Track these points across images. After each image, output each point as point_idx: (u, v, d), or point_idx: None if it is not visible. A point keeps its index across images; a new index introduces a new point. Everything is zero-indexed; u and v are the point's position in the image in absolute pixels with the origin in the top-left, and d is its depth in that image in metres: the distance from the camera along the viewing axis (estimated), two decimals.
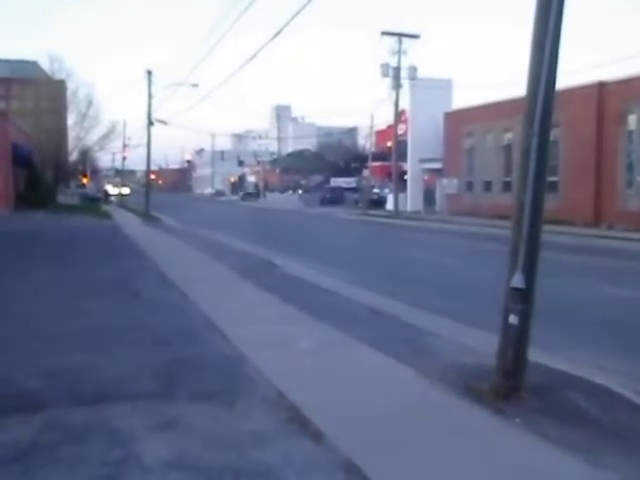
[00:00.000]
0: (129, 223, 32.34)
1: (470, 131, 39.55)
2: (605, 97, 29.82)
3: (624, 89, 28.53)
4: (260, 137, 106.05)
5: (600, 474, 4.06)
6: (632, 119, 28.73)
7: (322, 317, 8.61)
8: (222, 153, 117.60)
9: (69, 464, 4.10)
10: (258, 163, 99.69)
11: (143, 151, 43.43)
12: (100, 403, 5.24)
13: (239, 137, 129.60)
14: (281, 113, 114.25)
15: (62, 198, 54.54)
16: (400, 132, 44.63)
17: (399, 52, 40.91)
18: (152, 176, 49.70)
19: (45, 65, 58.57)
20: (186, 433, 4.62)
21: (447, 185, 42.11)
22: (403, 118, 45.89)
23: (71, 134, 59.01)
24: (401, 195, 43.62)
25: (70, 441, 4.45)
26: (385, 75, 41.14)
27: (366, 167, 59.70)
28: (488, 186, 38.18)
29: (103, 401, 5.29)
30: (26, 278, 12.95)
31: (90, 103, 57.48)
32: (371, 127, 58.06)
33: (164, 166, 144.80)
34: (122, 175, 76.63)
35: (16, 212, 36.41)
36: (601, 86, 29.97)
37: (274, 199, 75.16)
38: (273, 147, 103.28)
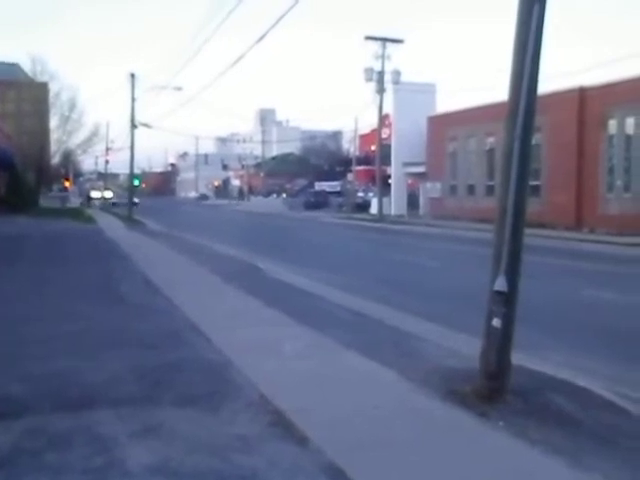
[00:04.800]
0: (113, 227, 32.12)
1: (453, 135, 39.78)
2: (586, 102, 30.14)
3: (605, 94, 28.86)
4: (244, 141, 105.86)
5: (583, 476, 4.09)
6: (612, 124, 29.06)
7: (306, 321, 8.61)
8: (206, 157, 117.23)
9: (51, 471, 4.05)
10: (242, 167, 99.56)
11: (126, 154, 43.24)
12: (83, 408, 5.19)
13: (223, 140, 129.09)
14: (265, 117, 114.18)
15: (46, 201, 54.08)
16: (384, 136, 44.78)
17: (383, 57, 41.08)
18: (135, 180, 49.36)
19: (27, 67, 58.07)
20: (170, 438, 4.59)
21: (430, 189, 42.30)
22: (387, 122, 46.05)
23: (53, 137, 58.46)
24: (385, 199, 43.73)
25: (53, 447, 4.40)
26: (369, 79, 41.28)
27: (350, 171, 59.82)
28: (471, 190, 38.41)
29: (86, 406, 5.24)
30: (7, 283, 12.81)
31: (73, 106, 57.02)
32: (355, 131, 58.29)
33: (147, 170, 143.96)
34: (105, 179, 76.11)
35: None
36: (582, 91, 30.30)
37: (258, 203, 75.07)
38: (257, 151, 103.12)
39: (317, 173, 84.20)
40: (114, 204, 64.58)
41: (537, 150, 29.58)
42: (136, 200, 75.49)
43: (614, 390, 5.75)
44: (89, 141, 60.92)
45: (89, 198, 67.67)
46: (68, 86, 61.24)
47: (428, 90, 44.01)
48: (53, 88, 56.72)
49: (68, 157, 66.05)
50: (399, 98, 43.15)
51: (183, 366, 6.50)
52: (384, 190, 43.78)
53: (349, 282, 13.32)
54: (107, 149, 64.37)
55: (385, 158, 44.80)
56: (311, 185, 79.80)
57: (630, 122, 28.31)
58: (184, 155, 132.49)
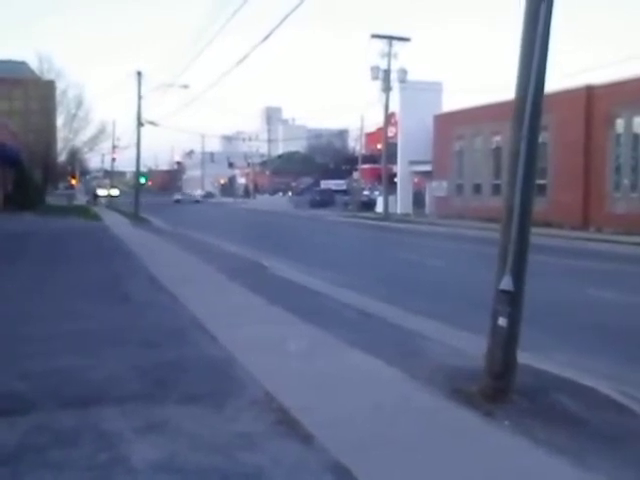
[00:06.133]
0: (118, 225, 32.19)
1: (460, 134, 39.68)
2: (593, 100, 30.01)
3: (612, 93, 28.73)
4: (250, 139, 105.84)
5: (588, 476, 4.07)
6: (620, 123, 28.92)
7: (311, 319, 8.60)
8: (212, 155, 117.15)
9: (56, 467, 4.06)
10: (248, 165, 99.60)
11: (133, 152, 43.33)
12: (88, 406, 5.20)
13: (229, 139, 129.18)
14: (271, 115, 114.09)
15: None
16: (390, 134, 44.68)
17: (389, 55, 40.95)
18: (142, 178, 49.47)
19: (34, 65, 58.25)
20: (174, 435, 4.59)
21: (436, 188, 42.21)
22: (393, 120, 45.96)
23: (60, 135, 58.68)
24: (391, 197, 43.66)
25: (57, 444, 4.41)
26: (375, 78, 41.17)
27: (356, 169, 59.75)
28: (477, 189, 38.31)
29: (91, 404, 5.25)
30: (13, 280, 12.86)
31: (80, 103, 57.22)
32: (361, 129, 58.22)
33: (154, 167, 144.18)
34: (111, 176, 76.26)
35: (3, 213, 36.12)
36: (589, 89, 30.16)
37: (264, 201, 75.07)
38: (263, 149, 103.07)
39: (323, 171, 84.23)
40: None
41: (543, 149, 29.45)
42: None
43: (619, 390, 5.72)
44: (95, 139, 61.17)
45: (95, 196, 67.82)
46: (74, 84, 61.61)
47: (434, 89, 43.92)
48: (60, 86, 56.99)
49: (74, 155, 66.25)
50: (405, 96, 43.07)
51: (188, 364, 6.51)
52: (390, 189, 43.72)
53: (353, 280, 13.31)
54: (113, 147, 64.49)
55: (391, 157, 44.71)
56: (317, 183, 79.81)
57: (637, 121, 28.17)
58: (190, 153, 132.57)
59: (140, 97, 40.15)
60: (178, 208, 62.23)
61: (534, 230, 5.72)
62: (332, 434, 4.63)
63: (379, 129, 49.78)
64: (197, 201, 77.53)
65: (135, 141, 40.99)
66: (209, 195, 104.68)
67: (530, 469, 4.22)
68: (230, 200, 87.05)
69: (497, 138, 35.32)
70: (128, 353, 6.91)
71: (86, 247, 20.89)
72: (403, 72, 41.33)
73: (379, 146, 52.80)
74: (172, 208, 60.45)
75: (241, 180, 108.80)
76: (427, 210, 43.51)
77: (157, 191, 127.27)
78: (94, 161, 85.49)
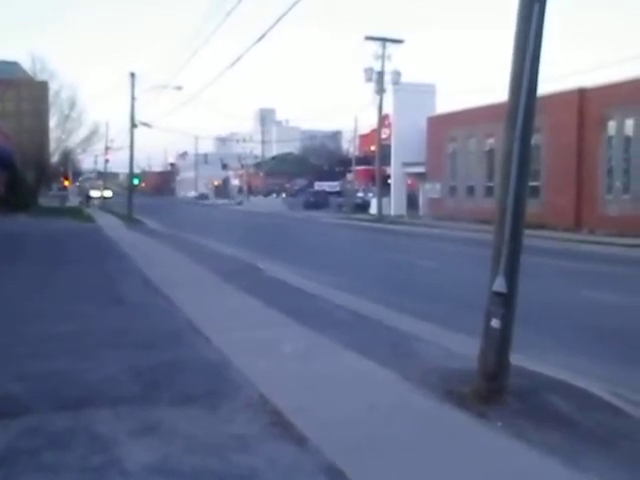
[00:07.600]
0: (112, 226, 32.10)
1: (453, 136, 39.77)
2: (585, 103, 30.14)
3: (604, 95, 28.86)
4: (244, 140, 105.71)
5: (581, 477, 4.09)
6: (612, 125, 29.05)
7: (305, 321, 8.61)
8: (206, 156, 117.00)
9: (50, 470, 4.05)
10: (242, 166, 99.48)
11: (126, 153, 43.22)
12: (82, 408, 5.19)
13: (223, 140, 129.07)
14: (265, 116, 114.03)
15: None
16: (384, 136, 44.77)
17: (383, 57, 41.06)
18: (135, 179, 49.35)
19: (27, 65, 58.04)
20: (169, 437, 4.59)
21: (430, 189, 42.30)
22: (387, 122, 46.06)
23: (53, 136, 58.43)
24: (385, 199, 43.72)
25: (51, 447, 4.40)
26: (369, 80, 41.26)
27: (350, 171, 59.88)
28: (471, 190, 38.40)
29: (85, 405, 5.24)
30: (7, 281, 12.80)
31: (73, 104, 56.98)
32: (355, 131, 58.39)
33: (147, 169, 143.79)
34: (104, 178, 76.01)
35: None
36: (581, 92, 30.29)
37: (258, 202, 75.03)
38: (257, 150, 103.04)
39: (317, 173, 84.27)
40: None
41: (536, 151, 29.54)
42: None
43: (612, 392, 5.75)
44: (88, 140, 60.91)
45: (88, 197, 67.54)
46: (68, 85, 61.46)
47: (428, 90, 44.01)
48: (53, 87, 56.75)
49: (67, 156, 65.98)
50: (399, 98, 43.13)
51: (182, 366, 6.50)
52: (384, 190, 43.77)
53: (348, 282, 13.31)
54: (107, 148, 64.27)
55: (385, 158, 44.78)
56: (311, 185, 79.84)
57: (629, 123, 28.31)
58: (184, 155, 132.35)
59: (133, 98, 40.04)
60: (171, 210, 62.07)
61: (527, 232, 5.74)
62: (326, 436, 4.64)
63: (373, 131, 49.93)
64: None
65: (128, 142, 40.90)
66: (202, 197, 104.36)
67: (523, 470, 4.24)
68: (224, 201, 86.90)
69: (490, 140, 35.42)
70: (122, 355, 6.89)
71: (80, 249, 20.82)
72: (397, 74, 41.44)
73: (373, 148, 52.95)
74: (166, 210, 60.29)
75: (235, 182, 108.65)
76: (421, 212, 43.58)
77: (151, 192, 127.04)
78: (87, 162, 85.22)
